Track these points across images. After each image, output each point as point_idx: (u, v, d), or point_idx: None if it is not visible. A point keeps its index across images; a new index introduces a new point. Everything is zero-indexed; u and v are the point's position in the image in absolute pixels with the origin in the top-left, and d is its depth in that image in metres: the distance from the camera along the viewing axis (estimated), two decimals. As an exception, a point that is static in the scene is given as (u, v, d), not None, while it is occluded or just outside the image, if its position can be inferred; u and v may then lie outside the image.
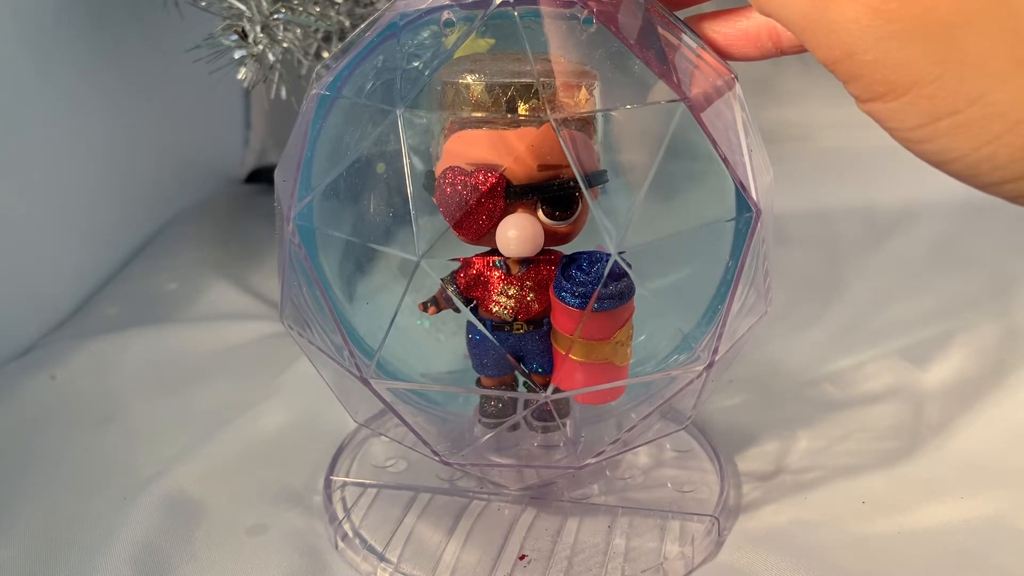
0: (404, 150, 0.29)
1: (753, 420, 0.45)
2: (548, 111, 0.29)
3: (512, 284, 0.32)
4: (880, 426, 0.44)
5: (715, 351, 0.33)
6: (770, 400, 0.47)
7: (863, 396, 0.47)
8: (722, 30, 0.32)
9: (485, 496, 0.39)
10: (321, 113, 0.33)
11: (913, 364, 0.49)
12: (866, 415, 0.45)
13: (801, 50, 0.31)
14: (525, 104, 0.30)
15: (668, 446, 0.42)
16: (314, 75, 0.34)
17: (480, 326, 0.33)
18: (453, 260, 0.33)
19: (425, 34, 0.32)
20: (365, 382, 0.33)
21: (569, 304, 0.31)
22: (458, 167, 0.30)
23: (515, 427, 0.36)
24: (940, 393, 0.47)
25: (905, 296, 0.58)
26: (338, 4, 0.52)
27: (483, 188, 0.30)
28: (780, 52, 0.32)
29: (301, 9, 0.51)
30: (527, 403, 0.35)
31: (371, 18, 0.33)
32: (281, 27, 0.51)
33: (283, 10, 0.50)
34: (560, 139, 0.29)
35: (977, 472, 0.41)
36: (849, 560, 0.36)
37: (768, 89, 0.88)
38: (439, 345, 0.37)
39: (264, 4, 0.50)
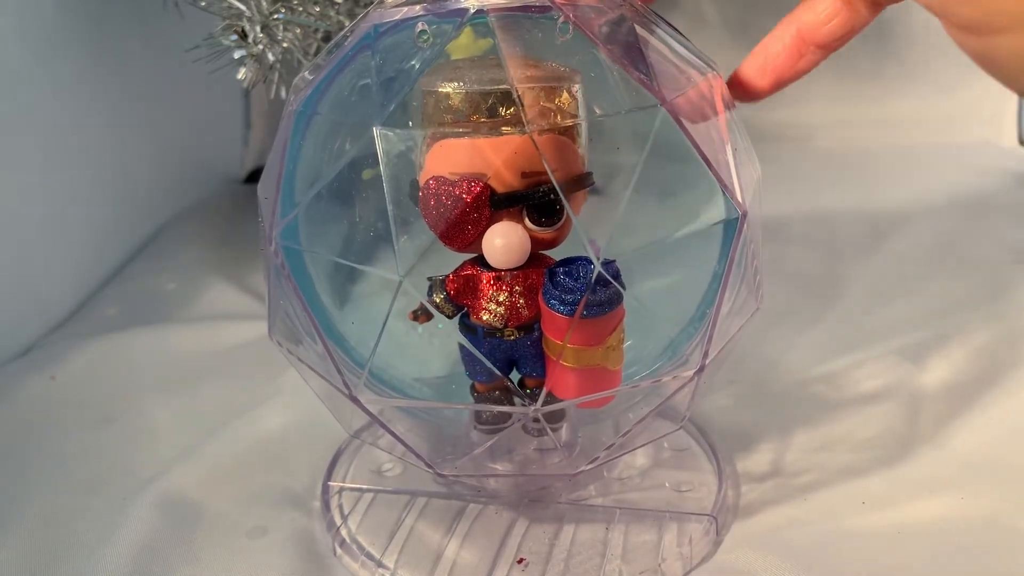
0: (383, 167, 0.29)
1: (751, 420, 0.45)
2: (526, 121, 0.29)
3: (502, 290, 0.32)
4: (879, 426, 0.44)
5: (705, 355, 0.32)
6: (769, 400, 0.47)
7: (862, 396, 0.47)
8: (773, 51, 0.33)
9: (482, 499, 0.39)
10: (299, 129, 0.33)
11: (912, 364, 0.49)
12: (865, 415, 0.45)
13: (842, 43, 0.31)
14: (506, 112, 0.29)
15: (666, 445, 0.42)
16: (291, 90, 0.33)
17: (465, 342, 0.33)
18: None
19: (400, 41, 0.32)
20: (354, 400, 0.32)
21: (558, 311, 0.30)
22: (442, 177, 0.30)
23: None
24: (939, 393, 0.47)
25: (904, 296, 0.58)
26: (338, 4, 0.52)
27: (467, 198, 0.30)
28: (824, 51, 0.32)
29: (301, 9, 0.51)
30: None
31: (345, 29, 0.33)
32: (281, 27, 0.51)
33: (283, 10, 0.50)
34: (539, 150, 0.29)
35: (976, 472, 0.41)
36: (847, 560, 0.35)
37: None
38: (432, 348, 0.37)
39: (264, 4, 0.50)
